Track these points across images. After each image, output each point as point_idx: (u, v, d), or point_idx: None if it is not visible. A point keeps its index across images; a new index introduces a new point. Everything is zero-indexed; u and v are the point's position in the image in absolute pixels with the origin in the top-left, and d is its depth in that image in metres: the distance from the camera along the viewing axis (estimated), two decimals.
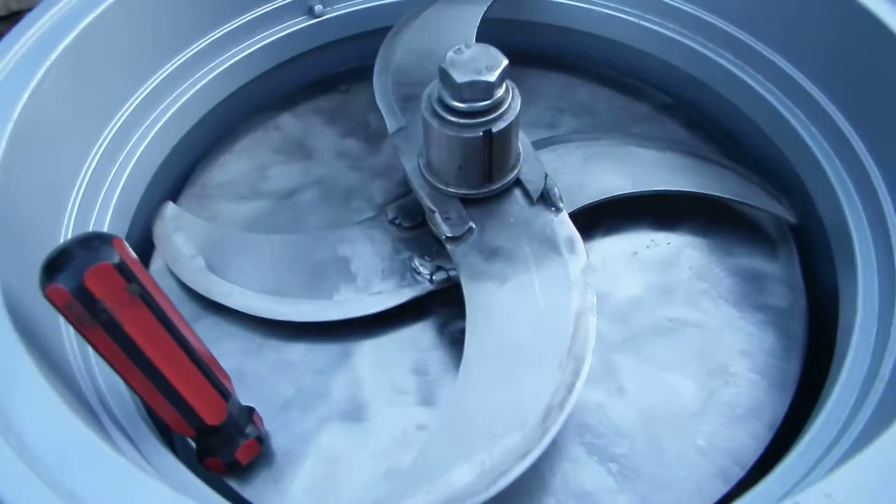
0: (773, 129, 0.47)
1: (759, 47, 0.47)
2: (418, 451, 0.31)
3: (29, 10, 1.16)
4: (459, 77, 0.34)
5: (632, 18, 0.52)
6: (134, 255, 0.28)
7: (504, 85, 0.36)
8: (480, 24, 0.49)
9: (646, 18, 0.52)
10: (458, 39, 0.48)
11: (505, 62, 0.35)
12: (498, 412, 0.32)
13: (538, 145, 0.46)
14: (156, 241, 0.44)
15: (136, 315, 0.28)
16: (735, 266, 0.44)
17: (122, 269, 0.27)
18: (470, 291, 0.36)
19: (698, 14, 0.50)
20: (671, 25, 0.51)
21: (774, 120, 0.46)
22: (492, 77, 0.34)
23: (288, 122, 0.53)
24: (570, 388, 0.32)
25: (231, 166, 0.50)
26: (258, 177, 0.50)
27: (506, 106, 0.36)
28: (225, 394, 0.32)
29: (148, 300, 0.28)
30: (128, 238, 0.44)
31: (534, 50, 0.57)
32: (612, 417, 0.38)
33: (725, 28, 0.48)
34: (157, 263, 0.44)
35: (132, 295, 0.27)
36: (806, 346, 0.41)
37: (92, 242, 0.26)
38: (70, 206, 0.40)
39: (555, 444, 0.36)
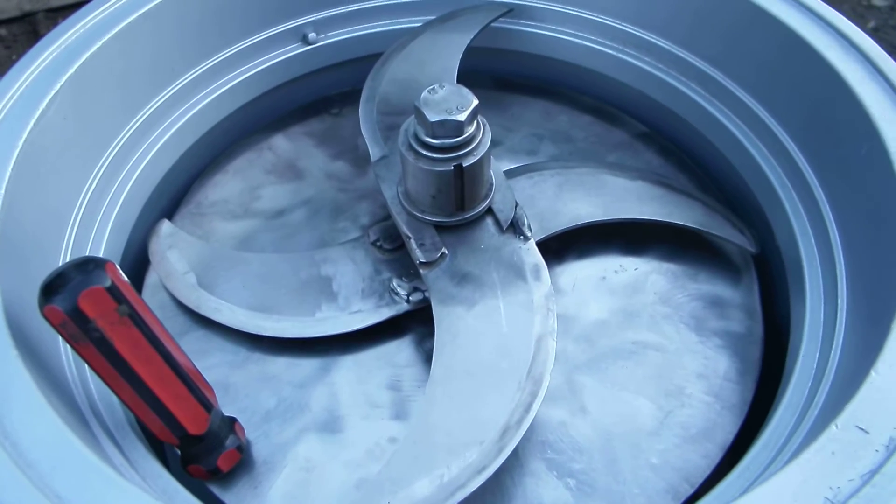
0: (739, 161, 0.49)
1: (728, 84, 0.49)
2: (384, 464, 0.34)
3: (41, 11, 1.18)
4: (432, 116, 0.37)
5: (611, 51, 0.55)
6: (125, 278, 0.30)
7: (475, 122, 0.38)
8: (467, 52, 0.52)
9: (624, 51, 0.54)
10: (440, 70, 0.51)
11: (475, 102, 0.38)
12: (459, 429, 0.34)
13: (516, 172, 0.49)
14: (151, 258, 0.47)
15: (125, 333, 0.30)
16: (698, 292, 0.46)
17: (114, 291, 0.29)
18: (439, 314, 0.39)
19: (673, 50, 0.52)
20: (647, 59, 0.53)
21: (739, 153, 0.49)
22: (462, 116, 0.37)
23: (280, 144, 0.56)
24: (528, 408, 0.35)
25: (225, 186, 0.53)
26: (250, 196, 0.52)
27: (476, 142, 0.39)
28: (207, 406, 0.35)
29: (136, 320, 0.31)
30: (124, 254, 0.47)
31: (518, 78, 0.59)
32: (573, 435, 0.40)
33: (698, 65, 0.51)
34: (151, 278, 0.47)
35: (122, 315, 0.30)
36: (760, 371, 0.43)
37: (86, 266, 0.29)
38: (70, 224, 0.43)
39: (517, 458, 0.39)
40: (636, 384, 0.42)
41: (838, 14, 0.44)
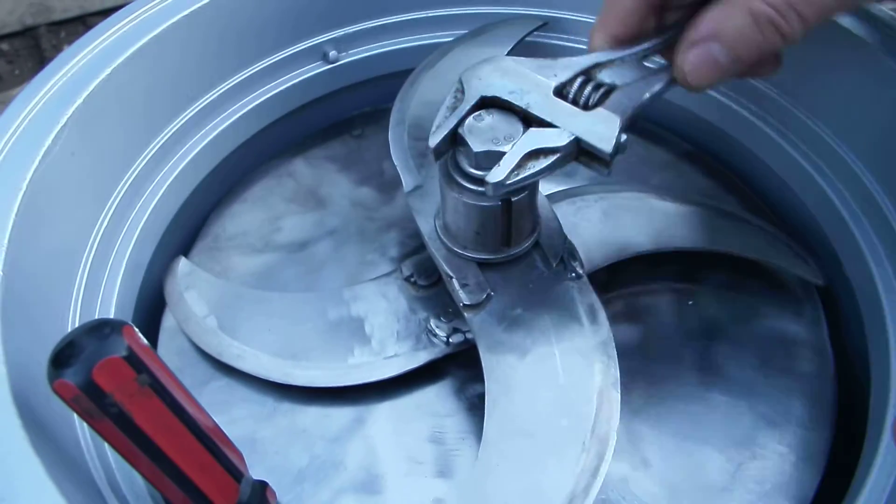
0: (797, 183, 0.45)
1: (784, 100, 0.46)
2: None
3: (43, 24, 1.13)
4: (477, 146, 0.34)
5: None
6: (144, 341, 0.27)
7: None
8: None
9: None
10: None
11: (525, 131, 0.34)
12: (519, 500, 0.31)
13: (557, 197, 0.45)
14: (167, 299, 0.43)
15: (145, 405, 0.27)
16: (760, 327, 0.43)
17: (132, 359, 0.26)
18: (489, 364, 0.35)
19: None
20: None
21: (798, 174, 0.45)
22: (510, 147, 0.34)
23: (301, 170, 0.52)
24: (595, 472, 0.31)
25: (244, 217, 0.50)
26: (271, 228, 0.49)
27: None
28: (237, 475, 0.31)
29: (158, 388, 0.27)
30: (139, 293, 0.44)
31: None
32: (636, 492, 0.37)
33: (749, 80, 0.47)
34: (168, 321, 0.43)
35: (142, 385, 0.26)
36: (836, 416, 0.39)
37: (101, 331, 0.26)
38: (81, 267, 0.39)
39: None
40: (701, 433, 0.39)
41: None
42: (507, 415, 0.33)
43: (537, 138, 0.33)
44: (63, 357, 0.25)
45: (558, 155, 0.32)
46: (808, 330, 0.42)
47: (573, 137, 0.32)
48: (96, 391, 0.25)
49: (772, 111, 0.47)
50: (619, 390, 0.34)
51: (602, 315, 0.37)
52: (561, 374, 0.34)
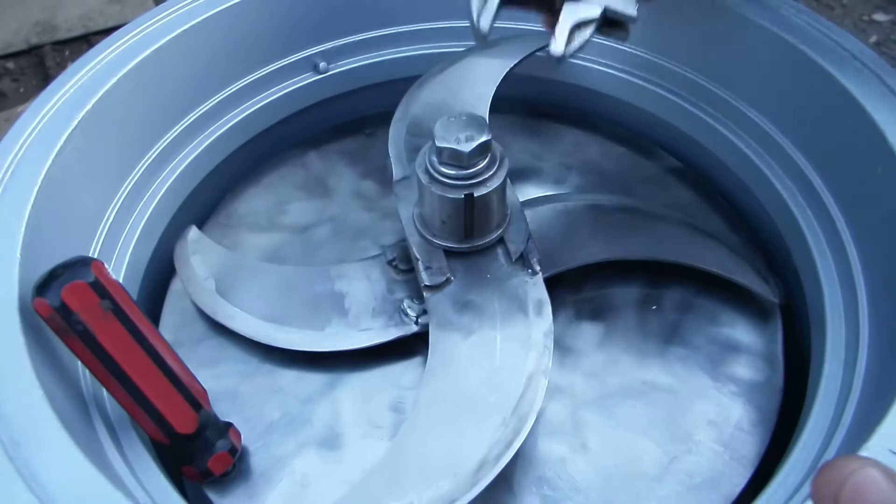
0: (770, 203, 0.47)
1: (763, 123, 0.47)
2: (356, 484, 0.34)
3: (48, 43, 1.13)
4: (442, 143, 0.37)
5: (646, 84, 0.54)
6: (112, 276, 0.32)
7: (488, 155, 0.38)
8: (504, 78, 0.52)
9: (659, 84, 0.53)
10: (475, 97, 0.52)
11: (485, 137, 0.37)
12: (436, 458, 0.34)
13: (538, 202, 0.48)
14: (175, 262, 0.49)
15: (108, 327, 0.32)
16: (718, 335, 0.45)
17: (97, 287, 0.31)
18: (435, 339, 0.39)
19: (707, 85, 0.51)
20: (682, 93, 0.52)
21: (770, 195, 0.47)
22: (468, 148, 0.37)
23: (313, 161, 0.57)
24: (508, 444, 0.34)
25: (256, 199, 0.55)
26: (278, 210, 0.54)
27: (488, 174, 0.38)
28: (196, 405, 0.36)
29: (120, 315, 0.32)
30: (152, 259, 0.49)
31: (551, 106, 0.59)
32: (571, 473, 0.39)
33: (732, 101, 0.49)
34: (176, 285, 0.49)
35: (105, 310, 0.32)
36: (776, 423, 0.41)
37: (74, 265, 0.32)
38: (98, 233, 0.44)
39: (511, 492, 0.38)
40: (642, 426, 0.41)
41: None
42: (442, 384, 0.37)
43: (576, 12, 0.36)
44: (44, 284, 0.31)
45: (595, 25, 0.36)
46: (764, 342, 0.44)
47: (602, 7, 0.36)
48: (65, 310, 0.31)
49: (751, 132, 0.49)
50: (548, 378, 0.37)
51: (547, 310, 0.40)
52: (498, 356, 0.37)
